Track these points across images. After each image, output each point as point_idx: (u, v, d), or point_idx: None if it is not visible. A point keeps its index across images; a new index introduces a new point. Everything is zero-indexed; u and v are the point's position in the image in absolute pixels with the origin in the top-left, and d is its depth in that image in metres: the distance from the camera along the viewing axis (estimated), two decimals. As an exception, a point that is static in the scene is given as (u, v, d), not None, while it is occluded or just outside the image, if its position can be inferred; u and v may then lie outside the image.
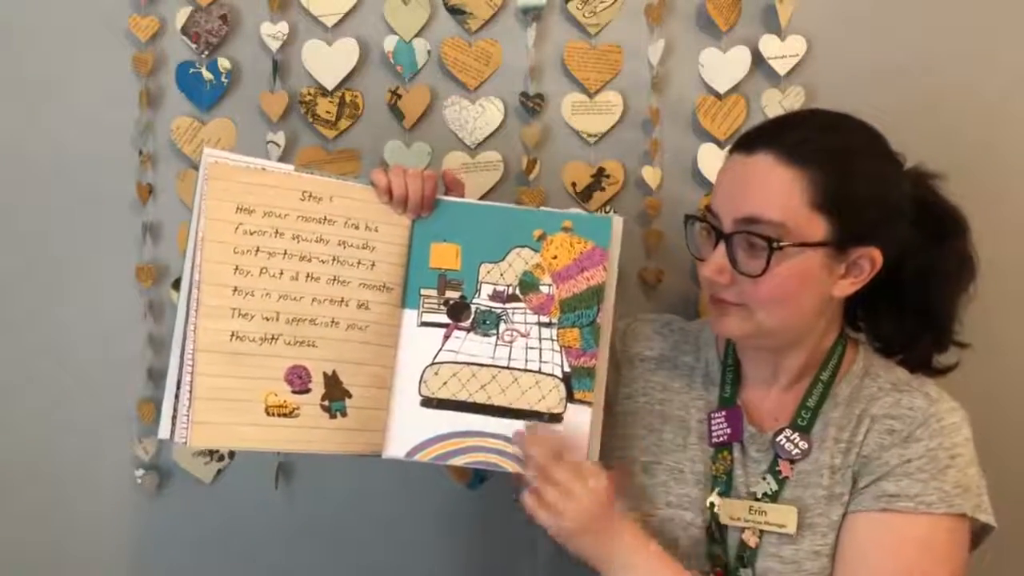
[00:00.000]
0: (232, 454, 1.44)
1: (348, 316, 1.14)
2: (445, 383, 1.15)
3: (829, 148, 1.07)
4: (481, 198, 1.39)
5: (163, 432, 1.09)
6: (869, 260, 1.08)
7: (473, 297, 1.17)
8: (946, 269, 1.16)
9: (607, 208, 1.41)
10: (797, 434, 1.12)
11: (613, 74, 1.40)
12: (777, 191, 1.05)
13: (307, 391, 1.11)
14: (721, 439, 1.16)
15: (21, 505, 1.46)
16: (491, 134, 1.41)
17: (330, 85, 1.39)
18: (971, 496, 1.08)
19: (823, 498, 1.10)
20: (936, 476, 1.07)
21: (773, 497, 1.12)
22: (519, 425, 1.13)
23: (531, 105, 1.40)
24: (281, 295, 1.12)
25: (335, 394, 1.12)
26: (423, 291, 1.17)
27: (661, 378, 1.23)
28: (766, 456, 1.14)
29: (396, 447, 1.15)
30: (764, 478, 1.13)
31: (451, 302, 1.17)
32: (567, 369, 1.15)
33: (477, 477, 1.44)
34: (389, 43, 1.39)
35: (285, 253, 1.13)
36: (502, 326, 1.16)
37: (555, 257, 1.16)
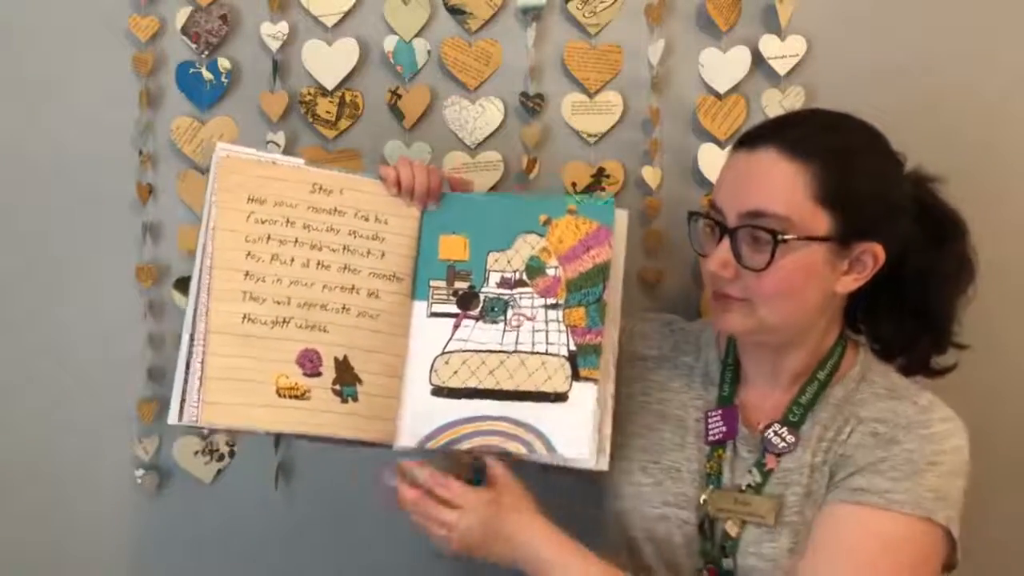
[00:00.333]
0: (232, 454, 1.44)
1: (359, 303, 1.15)
2: (455, 372, 1.16)
3: (831, 144, 1.08)
4: (485, 195, 1.39)
5: (172, 418, 1.09)
6: (872, 256, 1.08)
7: (482, 286, 1.18)
8: (945, 270, 1.16)
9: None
10: (785, 428, 1.13)
11: (613, 74, 1.40)
12: (781, 185, 1.06)
13: (318, 374, 1.12)
14: (717, 437, 1.16)
15: (21, 505, 1.46)
16: (491, 134, 1.41)
17: (330, 85, 1.39)
18: (948, 506, 1.06)
19: (802, 495, 1.10)
20: (910, 477, 1.05)
21: (757, 489, 1.12)
22: (526, 408, 1.14)
23: (531, 105, 1.40)
24: (292, 281, 1.14)
25: (346, 379, 1.13)
26: (432, 283, 1.19)
27: (661, 377, 1.24)
28: (754, 455, 1.14)
29: (407, 437, 1.15)
30: (750, 471, 1.13)
31: (460, 292, 1.18)
32: (572, 348, 1.15)
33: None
34: (389, 43, 1.39)
35: (296, 241, 1.15)
36: (509, 312, 1.17)
37: (561, 240, 1.18)
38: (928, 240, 1.14)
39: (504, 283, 1.18)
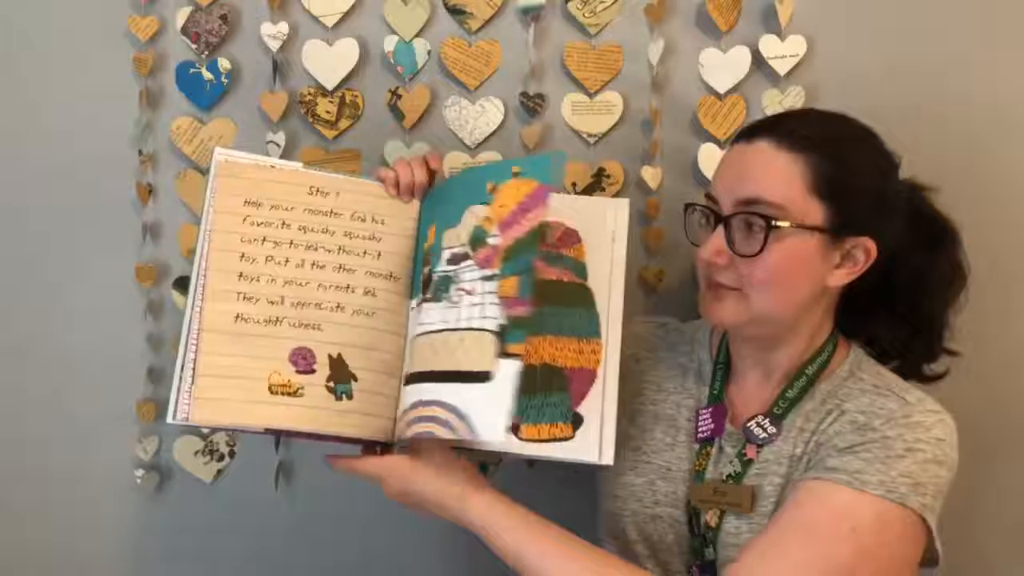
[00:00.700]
0: (232, 454, 1.44)
1: (354, 302, 1.16)
2: (412, 357, 1.15)
3: (827, 137, 1.09)
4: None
5: (169, 416, 1.09)
6: (863, 251, 1.09)
7: (436, 266, 1.15)
8: (938, 276, 1.17)
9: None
10: (768, 420, 1.13)
11: (613, 74, 1.40)
12: (777, 175, 1.07)
13: (312, 372, 1.13)
14: (705, 434, 1.17)
15: (21, 505, 1.46)
16: (491, 134, 1.41)
17: (330, 85, 1.39)
18: (924, 494, 1.02)
19: (779, 485, 1.10)
20: (884, 460, 1.02)
21: (737, 479, 1.12)
22: (452, 389, 1.07)
23: (531, 105, 1.40)
24: (286, 281, 1.14)
25: (341, 376, 1.13)
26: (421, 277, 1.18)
27: (655, 378, 1.25)
28: (736, 448, 1.14)
29: (398, 433, 1.14)
30: (731, 461, 1.13)
31: (424, 278, 1.16)
32: (503, 322, 1.05)
33: (483, 465, 1.42)
34: (389, 43, 1.39)
35: (291, 243, 1.16)
36: (452, 288, 1.11)
37: (502, 205, 1.09)
38: (921, 245, 1.16)
39: (453, 259, 1.12)
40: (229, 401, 1.10)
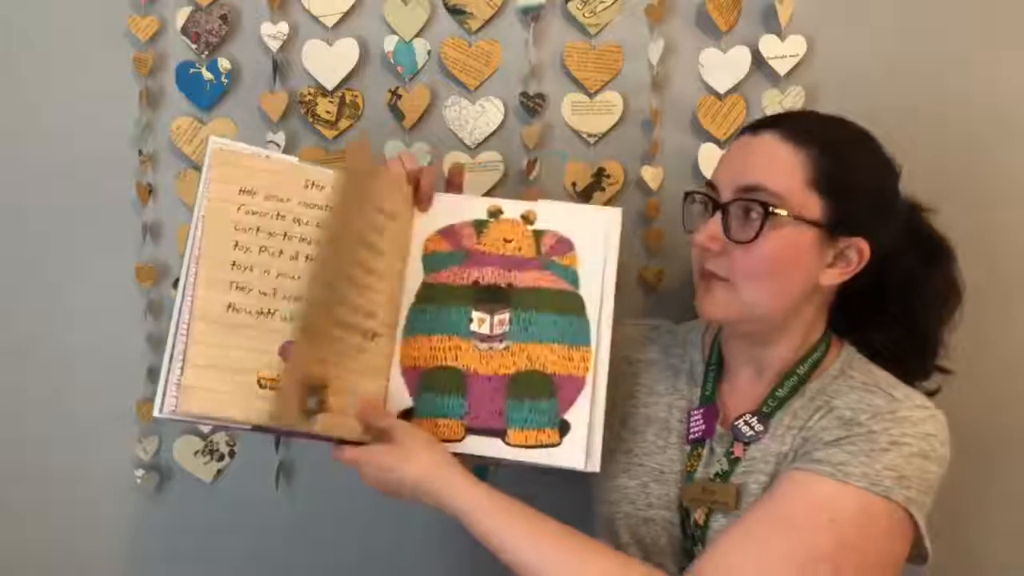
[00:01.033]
0: (232, 454, 1.44)
1: None
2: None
3: (830, 135, 1.11)
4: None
5: (156, 409, 1.06)
6: (857, 252, 1.10)
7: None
8: (932, 293, 1.18)
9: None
10: (756, 418, 1.13)
11: (613, 74, 1.40)
12: (779, 165, 1.08)
13: None
14: (696, 436, 1.17)
15: (21, 505, 1.46)
16: (491, 134, 1.41)
17: (330, 85, 1.39)
18: (910, 487, 1.01)
19: (765, 484, 1.09)
20: (868, 454, 1.02)
21: (724, 477, 1.12)
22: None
23: (531, 105, 1.40)
24: (280, 273, 1.12)
25: None
26: None
27: (648, 381, 1.25)
28: (724, 447, 1.14)
29: None
30: (719, 460, 1.14)
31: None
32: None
33: (481, 469, 1.43)
34: (389, 43, 1.39)
35: (285, 235, 1.13)
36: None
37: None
38: (917, 258, 1.17)
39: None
40: (217, 392, 1.06)
